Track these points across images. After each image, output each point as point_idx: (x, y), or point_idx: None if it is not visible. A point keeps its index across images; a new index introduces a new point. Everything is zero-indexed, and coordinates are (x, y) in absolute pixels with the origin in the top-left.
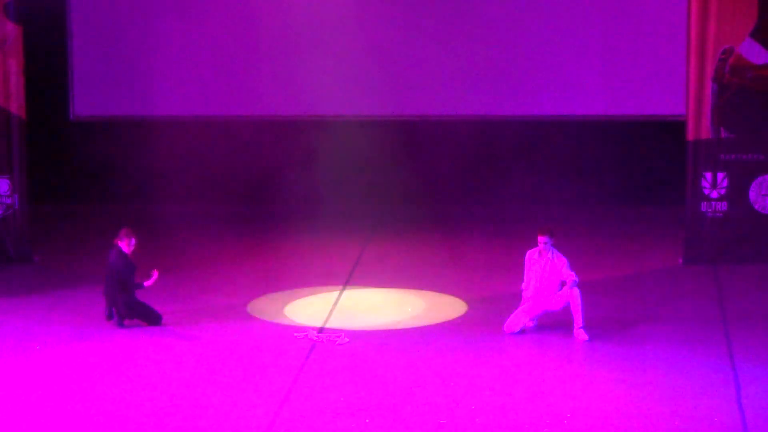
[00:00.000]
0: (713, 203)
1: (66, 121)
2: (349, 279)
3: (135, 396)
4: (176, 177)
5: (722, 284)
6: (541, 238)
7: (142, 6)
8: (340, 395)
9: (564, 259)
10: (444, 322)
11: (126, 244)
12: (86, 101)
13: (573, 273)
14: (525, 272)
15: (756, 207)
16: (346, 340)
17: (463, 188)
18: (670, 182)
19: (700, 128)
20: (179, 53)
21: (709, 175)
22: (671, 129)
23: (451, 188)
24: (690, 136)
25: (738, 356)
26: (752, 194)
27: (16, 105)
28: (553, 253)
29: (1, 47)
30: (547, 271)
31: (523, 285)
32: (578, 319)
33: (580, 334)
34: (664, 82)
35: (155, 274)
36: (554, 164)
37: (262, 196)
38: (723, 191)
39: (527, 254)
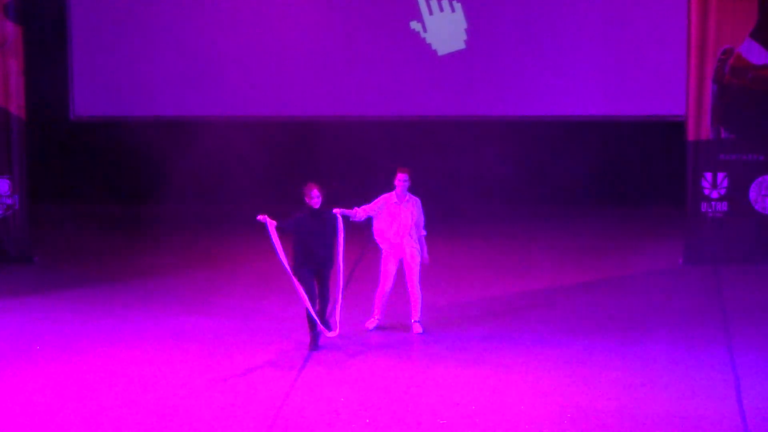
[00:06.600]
0: (713, 203)
1: (66, 121)
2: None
3: (135, 395)
4: (176, 177)
5: (722, 284)
6: (401, 176)
7: (142, 6)
8: (340, 395)
9: (418, 200)
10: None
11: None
12: (86, 101)
13: (423, 219)
14: (373, 208)
15: (756, 207)
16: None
17: (464, 189)
18: (670, 182)
19: (700, 128)
20: (179, 53)
21: (709, 175)
22: (671, 129)
23: (452, 189)
24: (690, 136)
25: (738, 356)
26: (752, 194)
27: (16, 105)
28: (408, 197)
29: (1, 47)
30: (402, 217)
31: (358, 211)
32: (415, 313)
33: (416, 328)
34: (664, 82)
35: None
36: (554, 164)
37: (263, 196)
38: (723, 191)
39: (383, 197)
